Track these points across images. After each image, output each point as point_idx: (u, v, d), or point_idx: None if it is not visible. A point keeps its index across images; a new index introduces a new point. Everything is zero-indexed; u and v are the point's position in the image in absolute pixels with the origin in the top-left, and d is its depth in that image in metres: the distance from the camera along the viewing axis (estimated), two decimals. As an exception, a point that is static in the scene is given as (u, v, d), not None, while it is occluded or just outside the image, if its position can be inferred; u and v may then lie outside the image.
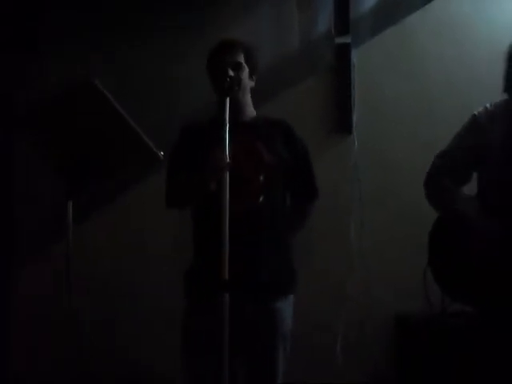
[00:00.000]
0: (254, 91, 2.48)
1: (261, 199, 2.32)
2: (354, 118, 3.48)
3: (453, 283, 2.33)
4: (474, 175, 2.42)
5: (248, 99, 2.45)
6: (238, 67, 2.37)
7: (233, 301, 2.07)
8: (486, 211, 2.28)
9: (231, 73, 2.32)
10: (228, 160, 2.15)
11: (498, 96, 2.35)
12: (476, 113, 2.38)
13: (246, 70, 2.40)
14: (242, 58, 2.40)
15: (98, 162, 2.32)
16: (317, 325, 3.37)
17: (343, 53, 3.48)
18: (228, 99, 2.21)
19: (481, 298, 2.27)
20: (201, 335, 2.29)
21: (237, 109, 2.34)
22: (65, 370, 2.32)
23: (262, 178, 2.33)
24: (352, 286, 3.36)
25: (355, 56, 3.49)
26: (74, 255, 2.26)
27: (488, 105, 2.37)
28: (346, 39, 3.46)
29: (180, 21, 3.54)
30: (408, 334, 3.28)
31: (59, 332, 2.29)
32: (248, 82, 2.42)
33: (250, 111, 2.47)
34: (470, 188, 2.41)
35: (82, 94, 2.22)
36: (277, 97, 3.48)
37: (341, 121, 3.50)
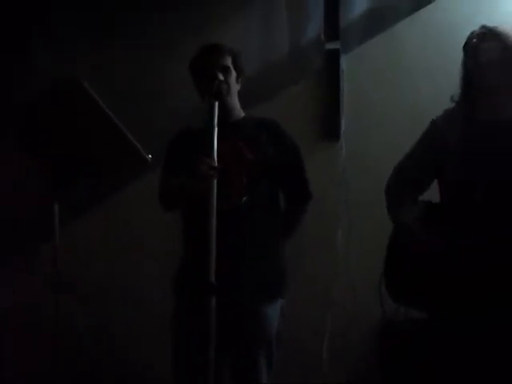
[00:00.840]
0: (241, 96, 2.49)
1: (244, 199, 2.31)
2: (343, 123, 3.50)
3: (402, 290, 2.37)
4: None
5: (236, 102, 2.47)
6: (226, 71, 2.38)
7: (218, 302, 2.08)
8: (442, 219, 2.29)
9: (221, 77, 2.32)
10: (216, 165, 2.15)
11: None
12: (434, 118, 2.41)
13: (234, 74, 2.42)
14: (229, 62, 2.41)
15: (85, 162, 2.32)
16: (303, 329, 3.38)
17: (332, 59, 3.49)
18: (216, 103, 2.21)
19: (428, 303, 2.31)
20: (189, 337, 2.29)
21: (225, 112, 2.34)
22: (57, 375, 2.30)
23: (244, 177, 2.32)
24: (338, 291, 3.37)
25: (344, 62, 3.50)
26: (65, 257, 2.26)
27: (447, 108, 2.40)
28: (336, 45, 3.47)
29: (167, 24, 3.53)
30: (393, 339, 3.30)
31: (48, 337, 2.28)
32: (235, 86, 2.43)
33: (238, 113, 2.48)
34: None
35: (68, 92, 2.22)
36: (265, 102, 3.48)
37: (329, 127, 3.51)
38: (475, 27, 2.38)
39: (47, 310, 2.35)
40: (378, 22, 3.58)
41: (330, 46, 3.47)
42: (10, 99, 3.32)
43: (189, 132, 2.49)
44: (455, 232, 2.24)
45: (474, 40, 2.30)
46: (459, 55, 3.47)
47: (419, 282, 2.30)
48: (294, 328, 3.26)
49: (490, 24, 2.33)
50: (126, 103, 3.26)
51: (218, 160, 2.19)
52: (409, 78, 3.54)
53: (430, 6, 3.56)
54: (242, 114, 2.49)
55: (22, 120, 2.32)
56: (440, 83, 3.50)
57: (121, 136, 2.26)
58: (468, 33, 2.38)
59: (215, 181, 2.14)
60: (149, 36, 3.54)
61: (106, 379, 3.38)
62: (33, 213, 3.38)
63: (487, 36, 2.28)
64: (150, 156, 2.29)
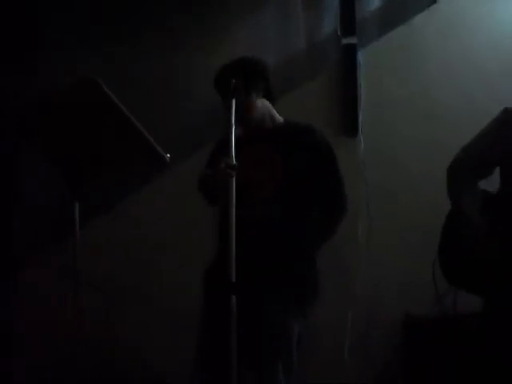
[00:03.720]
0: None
1: (273, 207, 2.32)
2: (361, 118, 3.48)
3: (458, 272, 2.37)
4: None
5: (263, 110, 2.44)
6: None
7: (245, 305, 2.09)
8: (499, 209, 2.29)
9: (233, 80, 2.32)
10: (234, 163, 2.15)
11: (506, 95, 2.35)
12: (508, 107, 2.38)
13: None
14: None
15: (103, 162, 2.32)
16: (325, 324, 3.37)
17: (349, 53, 3.48)
18: (234, 102, 2.22)
19: (482, 288, 2.30)
20: (212, 336, 2.31)
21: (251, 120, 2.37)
22: (72, 370, 2.32)
23: (275, 185, 2.33)
24: (360, 286, 3.37)
25: (361, 56, 3.49)
26: (80, 255, 2.27)
27: None
28: (352, 40, 3.46)
29: (183, 20, 3.55)
30: (416, 334, 3.28)
31: (66, 333, 2.30)
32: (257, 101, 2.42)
33: (274, 119, 2.47)
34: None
35: (84, 91, 2.20)
36: (283, 97, 3.44)
37: (347, 121, 3.50)
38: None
39: (66, 306, 2.36)
40: (395, 15, 3.55)
41: (347, 40, 3.47)
42: (27, 99, 3.36)
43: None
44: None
45: None
46: (478, 46, 3.47)
47: (473, 266, 2.30)
48: (316, 323, 3.28)
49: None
50: (142, 102, 3.29)
51: (249, 167, 2.21)
52: (427, 71, 3.52)
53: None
54: (278, 120, 2.48)
55: (38, 120, 2.32)
56: (458, 76, 3.49)
57: (139, 135, 2.26)
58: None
59: (234, 179, 2.14)
60: (164, 33, 3.55)
61: (121, 377, 3.40)
62: (54, 212, 3.41)
63: None
64: (168, 155, 2.30)
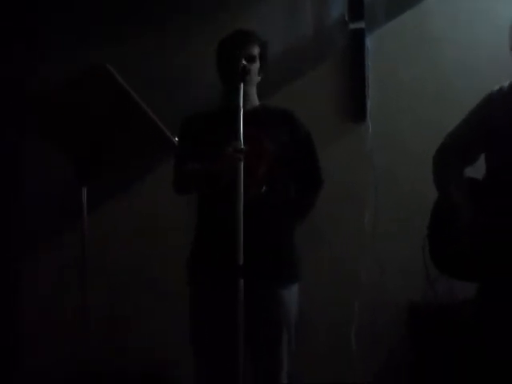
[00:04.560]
0: (267, 79, 2.48)
1: (263, 189, 2.32)
2: (369, 104, 3.45)
3: (447, 261, 2.38)
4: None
5: (253, 92, 2.47)
6: (251, 60, 2.38)
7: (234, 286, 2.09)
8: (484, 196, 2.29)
9: (245, 62, 2.32)
10: (242, 147, 2.15)
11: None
12: (491, 91, 2.38)
13: (258, 65, 2.41)
14: (256, 52, 2.41)
15: (112, 147, 2.32)
16: (330, 315, 3.37)
17: (357, 38, 3.44)
18: (242, 85, 2.21)
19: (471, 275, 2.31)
20: (212, 322, 2.30)
21: (243, 100, 2.34)
22: (76, 365, 2.32)
23: (264, 167, 2.33)
24: (365, 274, 3.35)
25: (369, 42, 3.46)
26: (91, 244, 2.26)
27: (505, 84, 2.37)
28: (360, 24, 3.42)
29: (192, 7, 3.53)
30: (421, 321, 3.27)
31: (71, 326, 2.29)
32: (256, 77, 2.43)
33: (254, 102, 2.47)
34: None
35: (93, 77, 2.19)
36: (290, 83, 3.46)
37: (355, 107, 3.47)
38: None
39: (73, 297, 2.35)
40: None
41: (355, 25, 3.43)
42: (34, 87, 3.35)
43: (198, 117, 2.49)
44: (497, 209, 2.24)
45: None
46: (489, 31, 3.42)
47: (461, 254, 2.30)
48: (321, 312, 3.28)
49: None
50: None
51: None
52: (436, 57, 3.48)
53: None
54: (257, 103, 2.49)
55: (45, 108, 2.31)
56: (468, 61, 3.45)
57: (148, 120, 2.25)
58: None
59: (242, 164, 2.13)
60: (172, 21, 3.54)
61: (127, 368, 3.40)
62: (60, 200, 3.41)
63: None
64: (176, 139, 2.29)
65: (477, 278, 2.34)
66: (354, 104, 3.48)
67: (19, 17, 3.56)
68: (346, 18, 3.46)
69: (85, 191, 2.26)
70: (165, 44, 3.55)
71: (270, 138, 2.37)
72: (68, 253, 3.06)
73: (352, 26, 3.44)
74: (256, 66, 2.42)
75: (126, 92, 2.20)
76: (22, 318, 3.50)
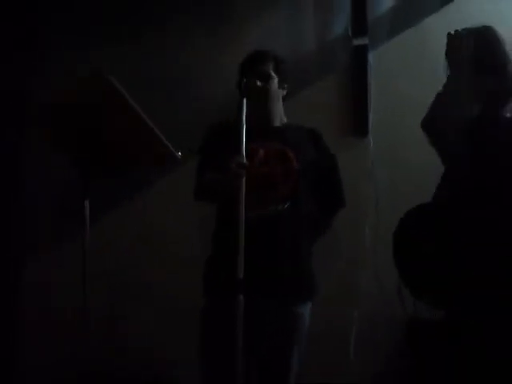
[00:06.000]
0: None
1: (286, 205, 2.34)
2: (371, 119, 3.48)
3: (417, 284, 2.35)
4: None
5: (278, 107, 2.52)
6: (266, 78, 2.41)
7: (253, 302, 2.10)
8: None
9: (259, 83, 2.36)
10: (245, 162, 2.17)
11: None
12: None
13: (276, 80, 2.44)
14: (270, 69, 2.45)
15: (115, 159, 2.33)
16: (329, 326, 3.37)
17: (360, 54, 3.48)
18: (245, 101, 2.23)
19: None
20: (217, 334, 2.31)
21: (265, 116, 2.41)
22: (76, 366, 2.33)
23: (289, 184, 2.35)
24: (365, 288, 3.36)
25: (372, 58, 3.48)
26: (94, 252, 2.28)
27: None
28: (364, 41, 3.46)
29: (194, 19, 3.55)
30: (421, 334, 3.27)
31: (73, 329, 2.31)
32: (277, 91, 2.47)
33: (281, 118, 2.51)
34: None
35: (95, 88, 2.21)
36: (293, 98, 3.45)
37: (357, 122, 3.50)
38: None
39: (73, 297, 2.36)
40: (407, 16, 3.55)
41: (358, 41, 3.47)
42: (37, 97, 3.37)
43: (222, 126, 2.52)
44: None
45: None
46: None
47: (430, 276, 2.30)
48: (321, 323, 3.28)
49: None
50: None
51: (264, 163, 2.27)
52: (437, 74, 3.50)
53: (457, 0, 3.52)
54: (285, 120, 2.52)
55: (49, 118, 2.33)
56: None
57: (150, 133, 2.27)
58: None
59: (244, 179, 2.15)
60: (175, 32, 3.56)
61: (127, 368, 3.41)
62: (63, 209, 3.42)
63: None
64: (180, 153, 2.31)
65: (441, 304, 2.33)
66: (356, 119, 3.50)
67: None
68: (350, 34, 3.50)
69: (87, 202, 2.28)
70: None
71: (297, 155, 2.39)
72: (68, 253, 3.08)
73: (355, 41, 3.48)
74: (274, 81, 2.46)
75: (127, 103, 2.22)
76: (22, 317, 3.51)
